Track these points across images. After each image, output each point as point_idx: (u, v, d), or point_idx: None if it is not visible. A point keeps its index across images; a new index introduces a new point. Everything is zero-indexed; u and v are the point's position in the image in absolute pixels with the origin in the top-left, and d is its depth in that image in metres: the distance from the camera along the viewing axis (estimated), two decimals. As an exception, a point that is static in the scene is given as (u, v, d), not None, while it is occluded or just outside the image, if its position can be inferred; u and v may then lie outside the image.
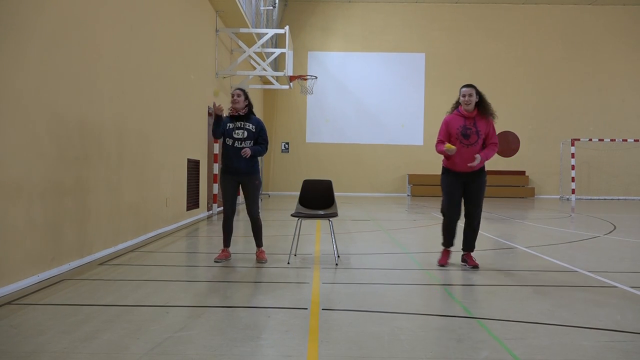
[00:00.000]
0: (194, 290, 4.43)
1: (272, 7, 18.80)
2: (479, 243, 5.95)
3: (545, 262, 5.79)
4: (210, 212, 11.66)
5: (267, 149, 5.64)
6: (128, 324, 3.37)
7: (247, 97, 5.64)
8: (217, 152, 11.78)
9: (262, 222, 5.80)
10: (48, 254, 4.68)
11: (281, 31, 13.69)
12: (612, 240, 7.76)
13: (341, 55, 21.99)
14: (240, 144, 5.48)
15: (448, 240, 5.56)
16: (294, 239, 5.78)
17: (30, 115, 4.39)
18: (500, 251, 6.54)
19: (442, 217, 5.58)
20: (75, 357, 2.82)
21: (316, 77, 17.96)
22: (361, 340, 3.09)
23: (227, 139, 5.53)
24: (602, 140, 20.60)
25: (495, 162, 21.09)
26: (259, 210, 5.69)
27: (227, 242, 5.67)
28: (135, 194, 6.87)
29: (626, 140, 20.59)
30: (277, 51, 13.89)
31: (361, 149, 21.84)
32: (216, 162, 11.79)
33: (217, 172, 11.80)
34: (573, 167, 19.75)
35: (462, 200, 5.47)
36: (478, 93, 5.42)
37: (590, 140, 20.63)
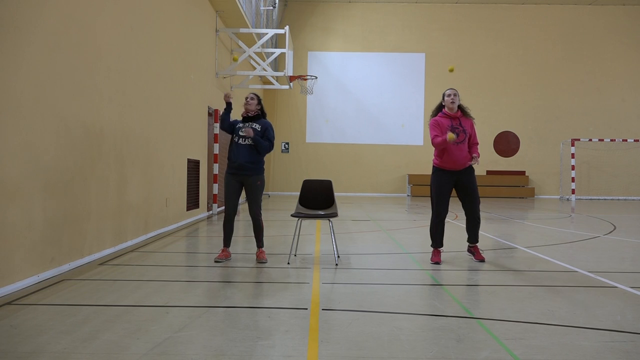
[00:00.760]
0: (194, 290, 4.43)
1: (272, 7, 18.80)
2: (479, 242, 5.96)
3: (545, 262, 5.79)
4: (210, 212, 11.66)
5: (271, 148, 5.67)
6: (128, 324, 3.37)
7: (259, 102, 5.79)
8: (217, 152, 11.79)
9: (263, 223, 5.81)
10: (48, 254, 4.68)
11: (281, 31, 13.69)
12: (612, 241, 7.76)
13: (341, 55, 22.00)
14: (245, 140, 5.56)
15: (438, 241, 5.74)
16: (294, 239, 5.78)
17: (30, 115, 4.39)
18: (500, 251, 6.54)
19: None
20: (75, 357, 2.82)
21: (316, 77, 17.97)
22: (361, 340, 3.09)
23: (235, 136, 5.65)
24: (602, 140, 20.60)
25: (495, 162, 21.11)
26: (261, 211, 5.70)
27: (227, 242, 5.68)
28: (136, 194, 6.87)
29: (626, 140, 20.60)
30: (277, 51, 13.89)
31: (361, 149, 21.85)
32: (216, 162, 11.79)
33: (217, 172, 11.81)
34: (573, 167, 19.75)
35: (457, 197, 5.78)
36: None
37: (590, 140, 20.63)
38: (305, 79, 17.38)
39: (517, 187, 21.34)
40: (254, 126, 5.62)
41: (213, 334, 3.21)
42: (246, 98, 5.72)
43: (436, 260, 5.61)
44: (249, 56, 13.42)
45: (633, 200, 20.97)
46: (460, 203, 5.81)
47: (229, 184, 5.62)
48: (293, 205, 5.85)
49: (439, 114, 5.71)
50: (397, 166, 21.87)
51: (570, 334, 3.25)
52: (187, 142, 9.71)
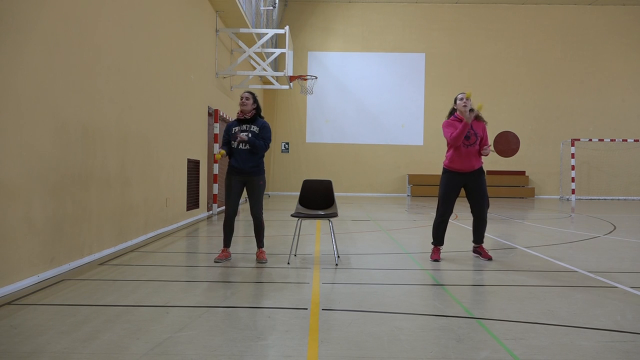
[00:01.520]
0: (194, 290, 4.43)
1: (272, 7, 18.80)
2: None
3: (545, 262, 5.79)
4: (210, 212, 11.66)
5: (267, 147, 5.62)
6: (128, 324, 3.37)
7: (255, 101, 5.71)
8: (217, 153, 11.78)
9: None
10: (48, 254, 4.68)
11: (281, 31, 13.69)
12: (612, 241, 7.77)
13: (341, 55, 21.99)
14: (245, 145, 5.52)
15: (440, 239, 5.91)
16: (294, 239, 5.78)
17: (30, 116, 4.39)
18: (500, 251, 6.54)
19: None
20: (75, 357, 2.82)
21: (316, 77, 17.97)
22: (361, 340, 3.09)
23: (232, 142, 5.59)
24: (602, 140, 20.60)
25: (495, 162, 21.10)
26: (262, 211, 5.71)
27: (227, 242, 5.68)
28: (136, 194, 6.87)
29: (626, 140, 20.60)
30: (277, 51, 13.90)
31: (361, 149, 21.85)
32: (216, 163, 11.79)
33: (217, 172, 11.81)
34: (573, 167, 19.75)
35: (467, 199, 5.90)
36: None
37: (590, 140, 20.63)
38: (305, 79, 17.38)
39: (517, 187, 21.34)
40: (251, 129, 5.57)
41: (213, 334, 3.21)
42: (241, 98, 5.65)
43: (435, 257, 5.80)
44: (249, 56, 13.43)
45: (633, 200, 20.97)
46: (465, 203, 5.90)
47: (231, 184, 5.61)
48: (293, 205, 5.86)
49: (451, 118, 5.80)
50: (397, 166, 21.87)
51: (570, 334, 3.25)
52: (187, 142, 9.71)
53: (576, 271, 5.24)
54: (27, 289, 4.24)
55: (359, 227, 9.30)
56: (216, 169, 11.82)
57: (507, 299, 4.13)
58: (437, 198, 6.05)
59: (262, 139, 5.58)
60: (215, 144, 11.80)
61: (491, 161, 21.21)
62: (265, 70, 13.85)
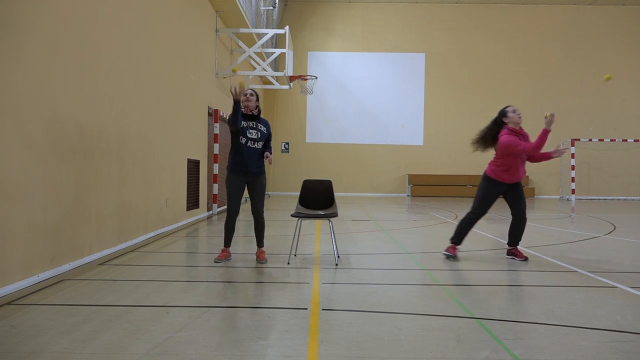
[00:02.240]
0: (194, 290, 4.43)
1: (272, 7, 18.80)
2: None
3: (545, 262, 5.79)
4: (210, 212, 11.65)
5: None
6: (128, 324, 3.37)
7: (258, 99, 5.72)
8: (217, 152, 11.79)
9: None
10: (48, 254, 4.68)
11: (281, 31, 13.69)
12: (612, 241, 7.76)
13: (341, 55, 21.99)
14: (254, 144, 5.53)
15: (461, 238, 5.95)
16: (294, 239, 5.78)
17: (30, 116, 4.39)
18: (500, 251, 6.54)
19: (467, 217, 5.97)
20: (75, 357, 2.82)
21: (316, 77, 17.97)
22: (361, 340, 3.09)
23: (241, 137, 5.52)
24: (602, 140, 20.60)
25: (495, 162, 21.09)
26: (264, 210, 5.71)
27: (228, 242, 5.68)
28: (136, 194, 6.87)
29: (626, 140, 20.60)
30: (277, 51, 13.90)
31: (361, 149, 21.85)
32: (216, 162, 11.79)
33: (217, 172, 11.80)
34: (573, 167, 19.75)
35: (506, 198, 6.02)
36: None
37: (590, 140, 20.63)
38: (305, 79, 17.38)
39: (517, 187, 21.32)
40: (260, 128, 5.58)
41: (213, 334, 3.21)
42: (245, 94, 5.64)
43: (453, 252, 5.85)
44: (249, 56, 13.43)
45: (633, 200, 20.97)
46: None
47: (234, 185, 5.56)
48: (293, 205, 5.86)
49: (504, 131, 5.74)
50: (397, 166, 21.87)
51: (570, 334, 3.25)
52: (187, 142, 9.71)
53: (576, 271, 5.24)
54: (27, 289, 4.24)
55: (359, 227, 9.30)
56: (216, 169, 11.83)
57: (507, 299, 4.13)
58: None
59: (270, 145, 5.73)
60: (215, 144, 11.80)
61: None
62: (265, 70, 13.85)
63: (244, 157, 5.49)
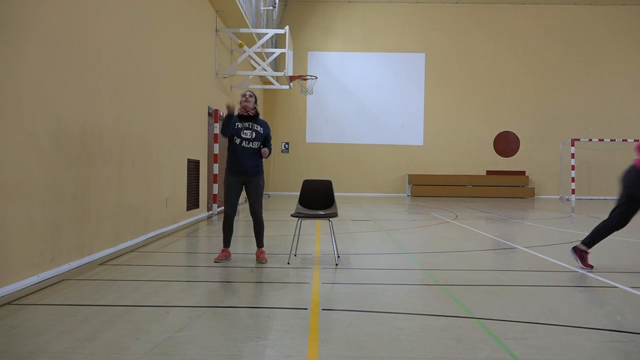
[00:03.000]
0: (194, 290, 4.43)
1: (272, 7, 18.80)
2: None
3: (545, 262, 5.79)
4: (210, 212, 11.65)
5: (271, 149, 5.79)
6: (128, 324, 3.37)
7: (256, 101, 5.77)
8: (217, 152, 11.78)
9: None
10: (48, 254, 4.68)
11: (281, 31, 13.69)
12: (612, 240, 7.76)
13: (341, 55, 21.99)
14: (248, 144, 5.55)
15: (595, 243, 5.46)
16: (294, 239, 5.78)
17: (30, 116, 4.39)
18: (500, 251, 6.53)
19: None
20: (75, 357, 2.82)
21: (316, 77, 17.97)
22: (361, 340, 3.09)
23: (235, 137, 5.58)
24: (602, 140, 20.59)
25: (495, 162, 21.12)
26: (262, 210, 5.71)
27: (227, 242, 5.68)
28: (135, 194, 6.87)
29: (626, 140, 20.59)
30: (277, 51, 13.90)
31: (361, 149, 21.85)
32: (216, 162, 11.79)
33: (217, 172, 11.80)
34: (573, 167, 19.74)
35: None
36: None
37: (590, 140, 20.63)
38: (305, 79, 17.38)
39: (517, 187, 21.33)
40: (255, 128, 5.60)
41: (213, 334, 3.21)
42: (244, 95, 5.68)
43: (588, 265, 5.35)
44: (249, 56, 13.42)
45: (633, 200, 20.94)
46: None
47: (231, 185, 5.61)
48: (293, 205, 5.86)
49: None
50: (397, 166, 21.87)
51: (570, 334, 3.25)
52: (187, 142, 9.71)
53: (576, 271, 5.24)
54: (27, 289, 4.24)
55: (359, 227, 9.30)
56: (216, 169, 11.82)
57: (507, 299, 4.13)
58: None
59: (270, 145, 5.72)
60: (215, 144, 11.79)
61: (491, 161, 21.23)
62: (265, 70, 13.85)
63: (238, 156, 5.55)
